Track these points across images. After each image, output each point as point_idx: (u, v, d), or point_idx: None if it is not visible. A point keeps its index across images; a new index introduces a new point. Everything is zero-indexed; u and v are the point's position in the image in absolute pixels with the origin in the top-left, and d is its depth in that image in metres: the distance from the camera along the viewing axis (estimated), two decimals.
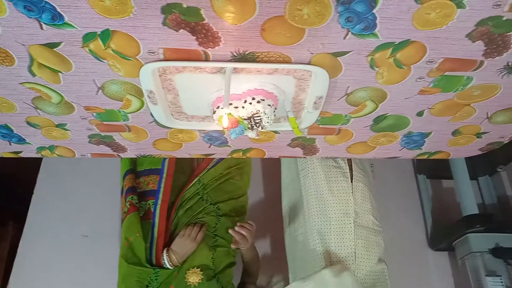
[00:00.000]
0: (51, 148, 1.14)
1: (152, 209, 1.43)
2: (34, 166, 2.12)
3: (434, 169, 2.14)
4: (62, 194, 2.00)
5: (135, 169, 1.54)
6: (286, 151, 1.20)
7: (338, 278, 1.18)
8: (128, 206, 1.43)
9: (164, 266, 1.36)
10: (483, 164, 2.09)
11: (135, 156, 1.20)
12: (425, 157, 1.23)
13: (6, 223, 2.97)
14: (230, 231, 1.38)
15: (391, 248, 1.95)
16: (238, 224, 1.39)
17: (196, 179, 1.51)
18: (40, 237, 1.93)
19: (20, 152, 1.16)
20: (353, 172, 1.46)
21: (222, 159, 1.56)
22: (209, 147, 1.18)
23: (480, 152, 1.22)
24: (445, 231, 1.88)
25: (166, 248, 1.38)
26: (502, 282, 1.63)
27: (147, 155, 1.20)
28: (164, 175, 1.46)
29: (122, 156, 1.20)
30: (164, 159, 1.48)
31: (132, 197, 1.45)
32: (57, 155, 1.16)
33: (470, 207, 1.75)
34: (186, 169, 1.56)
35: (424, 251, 2.01)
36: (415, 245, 2.01)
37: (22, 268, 1.88)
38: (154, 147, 1.15)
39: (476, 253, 1.70)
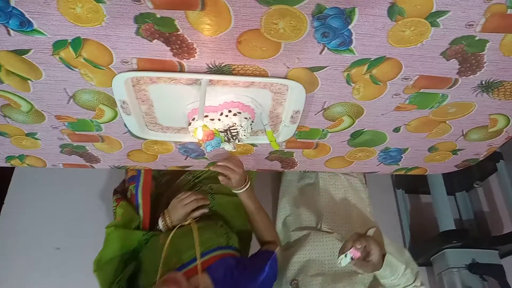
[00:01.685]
0: (21, 157, 1.10)
1: (134, 192, 1.28)
2: (5, 175, 2.05)
3: (412, 184, 2.15)
4: (34, 206, 1.94)
5: None
6: (264, 164, 1.19)
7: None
8: (116, 203, 1.27)
9: (158, 228, 1.20)
10: (460, 180, 2.12)
11: (108, 167, 1.17)
12: (402, 172, 1.24)
13: None
14: (211, 168, 1.19)
15: None
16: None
17: (186, 173, 1.40)
18: (11, 248, 1.86)
19: None
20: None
21: None
22: (185, 159, 1.16)
23: (456, 169, 1.23)
24: (423, 246, 1.89)
25: (163, 212, 1.21)
26: None
27: (121, 167, 1.18)
28: None
29: (96, 167, 1.17)
30: None
31: (116, 195, 1.31)
32: (27, 164, 1.13)
33: (447, 222, 1.76)
34: None
35: None
36: None
37: None
38: (129, 158, 1.13)
39: (453, 268, 1.71)
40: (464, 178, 2.10)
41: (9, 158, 1.10)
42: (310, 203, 1.35)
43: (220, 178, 1.14)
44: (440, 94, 0.87)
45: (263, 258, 1.13)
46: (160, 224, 1.17)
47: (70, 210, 1.88)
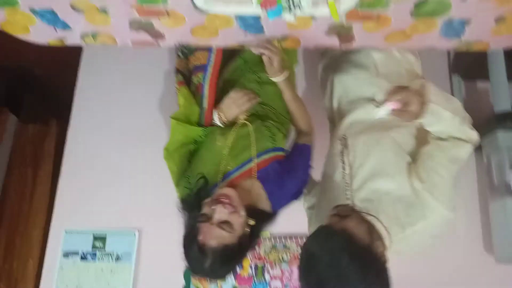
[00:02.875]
0: (94, 35, 1.18)
1: (201, 82, 1.39)
2: (72, 66, 2.17)
3: (470, 69, 2.07)
4: (104, 89, 2.08)
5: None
6: (321, 40, 1.20)
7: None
8: (177, 86, 1.42)
9: (215, 124, 1.35)
10: None
11: (173, 44, 1.23)
12: (463, 48, 1.21)
13: (49, 122, 3.16)
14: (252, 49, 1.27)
15: None
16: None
17: (238, 56, 1.48)
18: (85, 131, 2.05)
19: (65, 39, 1.20)
20: None
21: None
22: (245, 35, 1.19)
23: None
24: (475, 128, 1.89)
25: (216, 108, 1.35)
26: None
27: (185, 43, 1.24)
28: (214, 50, 1.39)
29: (161, 45, 1.23)
30: None
31: (178, 77, 1.45)
32: (100, 42, 1.21)
33: (503, 105, 1.73)
34: None
35: None
36: None
37: (71, 159, 2.03)
38: (192, 34, 1.18)
39: (504, 149, 1.73)
40: None
41: (83, 36, 1.19)
42: (362, 78, 1.38)
43: (264, 58, 1.24)
44: None
45: (302, 155, 1.35)
46: (216, 119, 1.33)
47: (139, 91, 2.01)
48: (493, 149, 1.78)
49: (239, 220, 1.13)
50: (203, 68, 1.40)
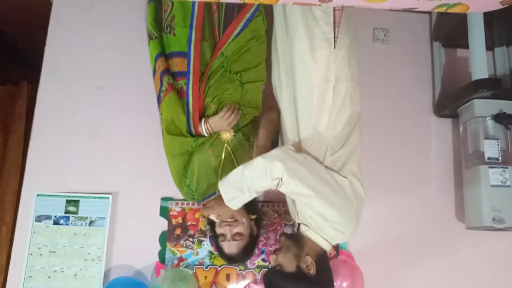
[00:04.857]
0: None
1: (184, 88, 1.60)
2: (42, 25, 2.06)
3: (450, 36, 2.06)
4: (74, 48, 1.97)
5: (164, 52, 1.67)
6: None
7: (270, 165, 1.33)
8: (166, 86, 1.60)
9: (202, 133, 1.59)
10: (502, 32, 2.01)
11: None
12: (443, 9, 1.18)
13: (20, 84, 3.03)
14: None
15: (397, 111, 2.03)
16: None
17: (219, 52, 1.62)
18: (56, 91, 1.94)
19: None
20: (337, 39, 1.46)
21: (241, 31, 1.66)
22: None
23: (500, 6, 1.16)
24: (452, 96, 1.90)
25: (204, 119, 1.59)
26: (498, 145, 1.69)
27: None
28: (192, 58, 1.59)
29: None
30: (190, 42, 1.59)
31: (168, 78, 1.61)
32: None
33: (481, 73, 1.72)
34: (208, 36, 1.65)
35: (428, 116, 2.05)
36: (420, 110, 2.04)
37: (42, 121, 1.94)
38: None
39: (479, 118, 1.74)
40: (506, 31, 2.00)
41: None
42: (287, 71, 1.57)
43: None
44: None
45: None
46: (204, 130, 1.59)
47: (110, 50, 1.93)
48: (469, 118, 1.79)
49: (244, 226, 1.54)
50: (182, 74, 1.61)
